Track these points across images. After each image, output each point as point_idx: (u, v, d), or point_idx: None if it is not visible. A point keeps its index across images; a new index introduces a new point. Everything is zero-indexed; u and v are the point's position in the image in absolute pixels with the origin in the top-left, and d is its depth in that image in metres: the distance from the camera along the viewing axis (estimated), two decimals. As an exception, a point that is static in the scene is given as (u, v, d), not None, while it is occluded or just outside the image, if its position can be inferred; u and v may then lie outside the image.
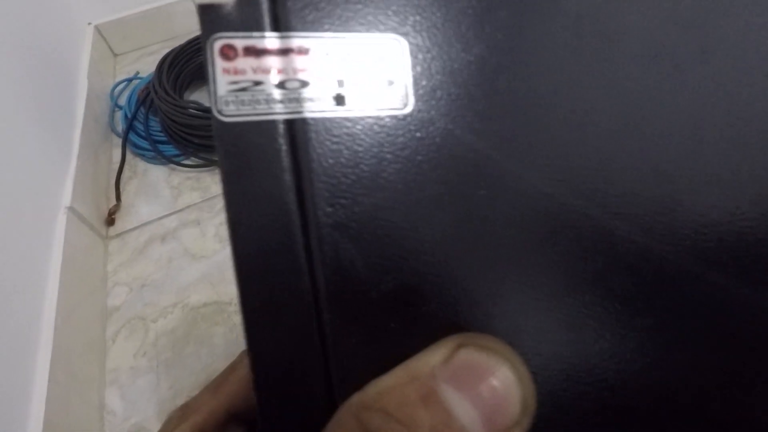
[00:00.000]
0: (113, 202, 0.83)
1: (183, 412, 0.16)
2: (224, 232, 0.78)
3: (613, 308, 0.12)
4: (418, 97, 0.12)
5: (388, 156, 0.12)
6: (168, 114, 0.85)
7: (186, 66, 0.95)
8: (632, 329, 0.13)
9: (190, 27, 1.16)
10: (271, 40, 0.11)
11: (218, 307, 0.70)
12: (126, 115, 0.94)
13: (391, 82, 0.12)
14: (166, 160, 0.87)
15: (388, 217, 0.12)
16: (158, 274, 0.74)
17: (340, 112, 0.11)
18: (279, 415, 0.11)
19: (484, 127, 0.12)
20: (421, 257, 0.12)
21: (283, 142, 0.11)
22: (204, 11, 0.11)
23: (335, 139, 0.11)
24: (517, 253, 0.12)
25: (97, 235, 0.78)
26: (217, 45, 0.11)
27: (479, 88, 0.12)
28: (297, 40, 0.11)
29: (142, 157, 0.90)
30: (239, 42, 0.11)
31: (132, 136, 0.91)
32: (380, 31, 0.12)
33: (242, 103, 0.11)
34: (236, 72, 0.11)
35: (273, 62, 0.11)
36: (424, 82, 0.12)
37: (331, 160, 0.11)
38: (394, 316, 0.12)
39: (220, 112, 0.11)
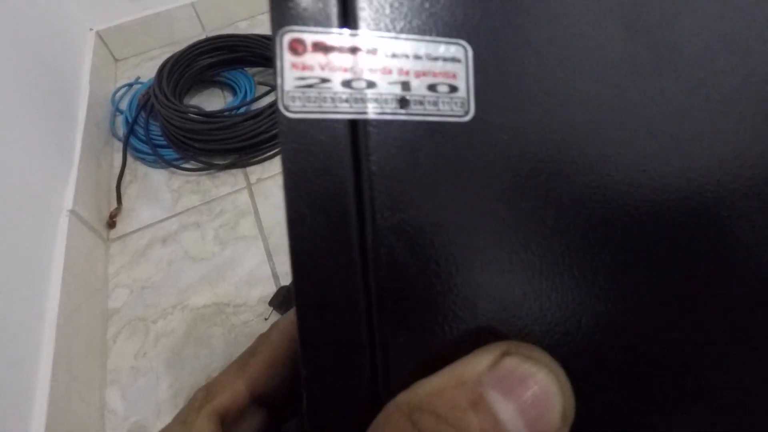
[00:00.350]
0: (114, 205, 0.84)
1: (207, 392, 0.16)
2: (223, 234, 0.79)
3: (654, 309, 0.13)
4: (479, 106, 0.12)
5: (447, 163, 0.12)
6: (168, 119, 0.86)
7: (186, 71, 0.97)
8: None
9: (189, 32, 1.17)
10: (340, 36, 0.11)
11: (217, 308, 0.71)
12: (127, 120, 0.95)
13: (454, 89, 0.12)
14: (167, 163, 0.89)
15: (444, 224, 0.12)
16: (158, 276, 0.75)
17: (402, 116, 0.11)
18: (325, 408, 0.12)
19: (541, 139, 0.12)
20: (472, 264, 0.12)
21: (346, 143, 0.11)
22: (275, 4, 0.11)
23: (396, 143, 0.11)
24: (565, 259, 0.12)
25: (99, 238, 0.79)
26: (287, 39, 0.11)
27: (540, 99, 0.12)
28: (366, 39, 0.11)
29: (143, 161, 0.91)
30: (309, 37, 0.11)
31: (133, 141, 0.92)
32: (447, 35, 0.12)
33: (308, 99, 0.11)
34: (304, 67, 0.11)
35: (341, 60, 0.11)
36: (486, 91, 0.12)
37: (391, 164, 0.11)
38: (442, 319, 0.12)
39: (286, 107, 0.11)
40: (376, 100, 0.11)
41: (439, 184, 0.12)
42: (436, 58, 0.11)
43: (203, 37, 1.11)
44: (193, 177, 0.88)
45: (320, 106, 0.11)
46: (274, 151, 0.88)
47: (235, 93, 0.99)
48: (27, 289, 0.62)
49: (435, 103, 0.11)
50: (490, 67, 0.12)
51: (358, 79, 0.11)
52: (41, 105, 0.81)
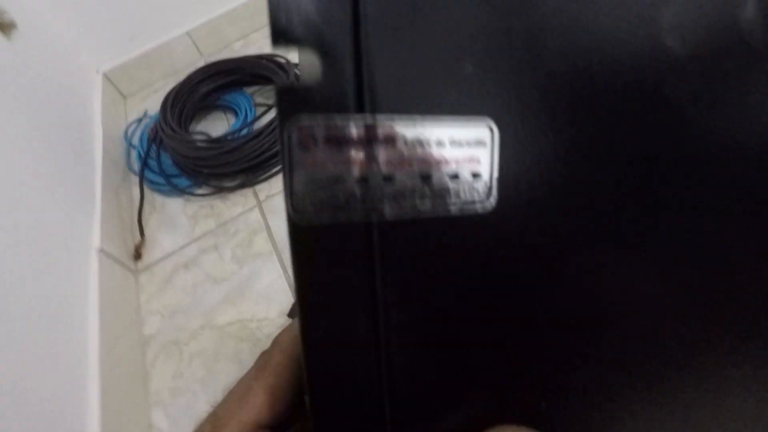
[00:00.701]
0: (138, 237, 0.90)
1: (213, 425, 0.17)
2: (240, 253, 0.84)
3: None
4: (501, 191, 0.11)
5: (465, 258, 0.11)
6: (176, 150, 0.91)
7: (188, 100, 1.01)
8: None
9: (188, 60, 1.22)
10: (355, 126, 0.10)
11: (242, 325, 0.75)
12: (140, 154, 1.01)
13: (476, 175, 0.11)
14: (181, 191, 0.94)
15: (460, 319, 0.11)
16: (185, 300, 0.81)
17: (421, 208, 0.11)
18: None
19: (563, 225, 0.11)
20: (486, 362, 0.12)
21: (361, 247, 0.10)
22: (283, 92, 0.10)
23: (413, 242, 0.11)
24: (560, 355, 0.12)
25: (128, 271, 0.85)
26: (296, 130, 0.10)
27: (566, 181, 0.11)
28: (383, 127, 0.10)
29: (159, 191, 0.97)
30: (320, 129, 0.10)
31: (147, 173, 0.98)
32: (472, 116, 0.11)
33: (320, 202, 0.10)
34: (315, 165, 0.10)
35: (356, 154, 0.10)
36: (509, 176, 0.11)
37: (406, 264, 0.11)
38: (452, 411, 0.12)
39: (296, 211, 0.10)
40: (393, 198, 0.10)
41: (456, 281, 0.11)
42: (459, 143, 0.11)
43: (202, 62, 1.15)
44: (206, 201, 0.92)
45: (333, 210, 0.10)
46: (278, 168, 0.91)
47: (236, 114, 1.03)
48: (69, 328, 0.68)
49: (456, 194, 0.11)
50: (516, 150, 0.11)
51: (375, 174, 0.10)
52: (60, 151, 0.87)
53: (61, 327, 0.66)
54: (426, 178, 0.11)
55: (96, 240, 0.81)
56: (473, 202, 0.11)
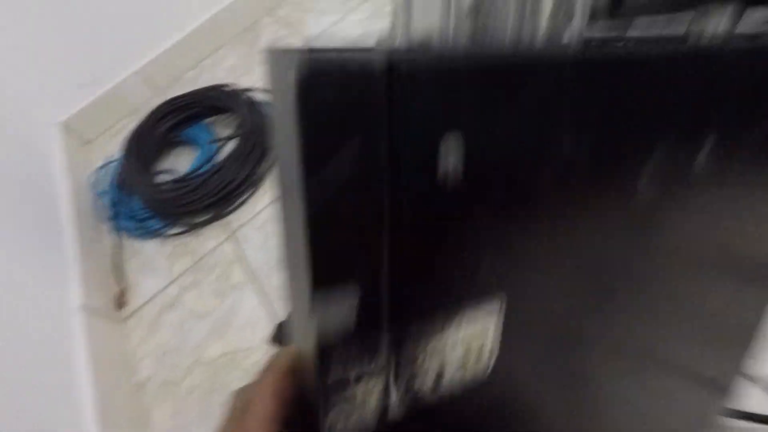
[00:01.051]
0: (120, 285, 0.92)
1: None
2: (219, 286, 0.87)
3: None
4: (499, 358, 0.12)
5: (458, 423, 0.13)
6: (144, 195, 0.93)
7: (148, 142, 1.03)
8: None
9: (143, 97, 1.22)
10: (384, 359, 0.11)
11: (230, 357, 0.79)
12: (110, 202, 1.03)
13: (481, 350, 0.12)
14: (154, 233, 0.96)
15: None
16: (174, 340, 0.84)
17: (430, 402, 0.12)
18: None
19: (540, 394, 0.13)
20: None
21: None
22: (323, 351, 0.11)
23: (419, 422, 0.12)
24: None
25: (113, 322, 0.87)
26: (333, 379, 0.11)
27: (562, 341, 0.13)
28: (408, 353, 0.11)
29: (133, 236, 0.99)
30: (353, 372, 0.11)
31: (119, 220, 1.00)
32: (487, 293, 0.12)
33: (350, 426, 0.11)
34: (347, 402, 0.11)
35: (382, 383, 0.11)
36: (509, 343, 0.12)
37: None
38: None
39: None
40: (411, 406, 0.12)
41: None
42: (468, 332, 0.12)
43: (156, 98, 1.16)
44: (180, 240, 0.95)
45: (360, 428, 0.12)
46: (245, 197, 0.94)
47: (199, 147, 1.04)
48: (64, 389, 0.70)
49: (462, 379, 0.12)
50: (518, 321, 0.12)
51: (397, 395, 0.12)
52: (25, 213, 0.88)
53: (56, 388, 0.69)
54: (440, 377, 0.12)
55: (77, 296, 0.83)
56: (473, 379, 0.13)
